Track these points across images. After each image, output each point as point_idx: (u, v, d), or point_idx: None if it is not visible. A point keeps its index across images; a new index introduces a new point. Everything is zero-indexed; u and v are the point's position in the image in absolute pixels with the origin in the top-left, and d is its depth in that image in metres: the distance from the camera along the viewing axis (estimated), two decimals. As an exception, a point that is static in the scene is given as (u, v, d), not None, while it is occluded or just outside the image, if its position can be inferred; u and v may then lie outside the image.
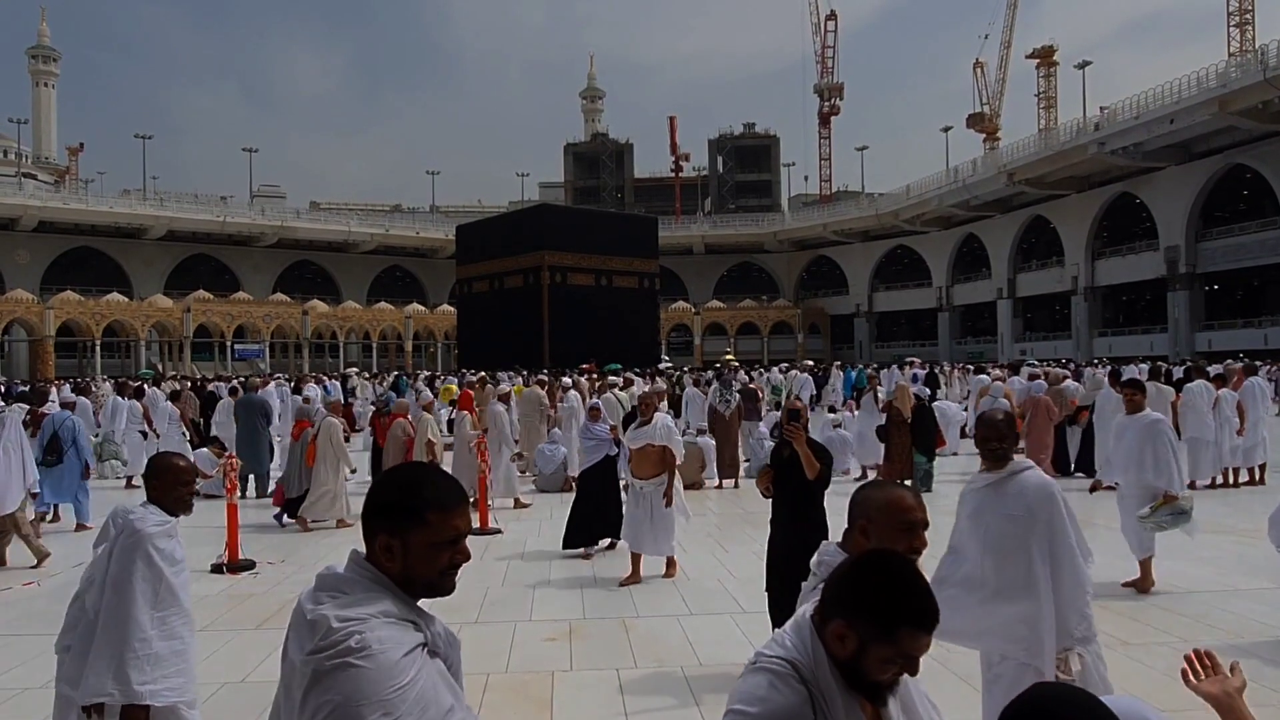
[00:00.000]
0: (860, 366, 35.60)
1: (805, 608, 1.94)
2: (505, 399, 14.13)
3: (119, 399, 16.08)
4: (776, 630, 1.92)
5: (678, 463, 8.47)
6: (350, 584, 1.78)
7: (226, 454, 12.40)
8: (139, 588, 3.39)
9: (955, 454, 16.69)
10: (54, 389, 22.90)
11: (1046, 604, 3.66)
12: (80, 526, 11.29)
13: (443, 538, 1.82)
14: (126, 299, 61.71)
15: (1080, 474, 13.81)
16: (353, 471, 12.03)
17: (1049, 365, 25.54)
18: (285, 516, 11.67)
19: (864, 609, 1.74)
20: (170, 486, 3.60)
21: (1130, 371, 21.73)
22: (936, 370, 30.06)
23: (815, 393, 29.09)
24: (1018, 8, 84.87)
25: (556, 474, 14.09)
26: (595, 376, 24.64)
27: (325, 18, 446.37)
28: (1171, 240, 51.01)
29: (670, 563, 8.53)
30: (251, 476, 13.91)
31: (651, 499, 8.28)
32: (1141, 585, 7.69)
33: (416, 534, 1.80)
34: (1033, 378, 18.47)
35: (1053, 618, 3.65)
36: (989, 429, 3.95)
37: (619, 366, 27.86)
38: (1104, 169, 53.59)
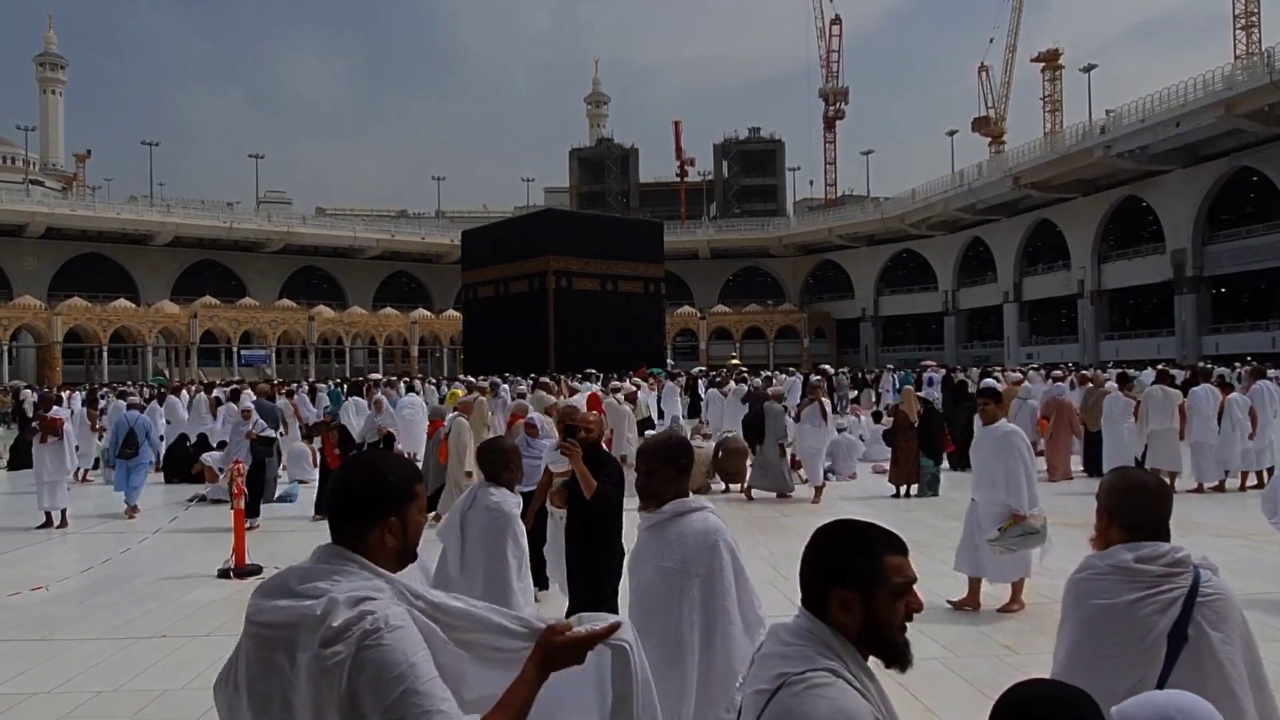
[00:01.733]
0: (906, 370, 35.43)
1: (790, 620, 1.90)
2: (468, 409, 13.52)
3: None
4: (779, 649, 1.85)
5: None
6: (343, 571, 1.84)
7: (234, 459, 12.41)
8: (511, 561, 4.23)
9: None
10: (64, 395, 23.11)
11: (691, 681, 3.03)
12: (131, 511, 12.60)
13: (423, 504, 2.02)
14: (133, 305, 61.89)
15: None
16: (468, 475, 12.18)
17: (1065, 369, 25.47)
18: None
19: (846, 564, 1.80)
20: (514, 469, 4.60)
21: (1145, 375, 21.59)
22: (955, 373, 29.68)
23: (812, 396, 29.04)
24: (1022, 11, 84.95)
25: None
26: (653, 380, 24.75)
27: (331, 24, 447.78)
28: (1178, 243, 50.87)
29: None
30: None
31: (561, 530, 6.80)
32: (969, 601, 7.18)
33: (412, 508, 1.98)
34: (1062, 380, 18.42)
35: (693, 700, 3.03)
36: (640, 458, 3.33)
37: (660, 371, 27.88)
38: (1110, 172, 53.47)
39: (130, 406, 14.80)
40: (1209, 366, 23.96)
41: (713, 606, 3.07)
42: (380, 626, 1.69)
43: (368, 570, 1.84)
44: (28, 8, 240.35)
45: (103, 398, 23.93)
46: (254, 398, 15.16)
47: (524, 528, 4.50)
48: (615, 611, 4.93)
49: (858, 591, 1.78)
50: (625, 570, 3.41)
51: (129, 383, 42.95)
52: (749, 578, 3.21)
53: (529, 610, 3.94)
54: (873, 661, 1.83)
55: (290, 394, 20.87)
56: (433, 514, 11.61)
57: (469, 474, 12.01)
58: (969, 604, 7.13)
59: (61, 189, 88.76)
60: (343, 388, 26.57)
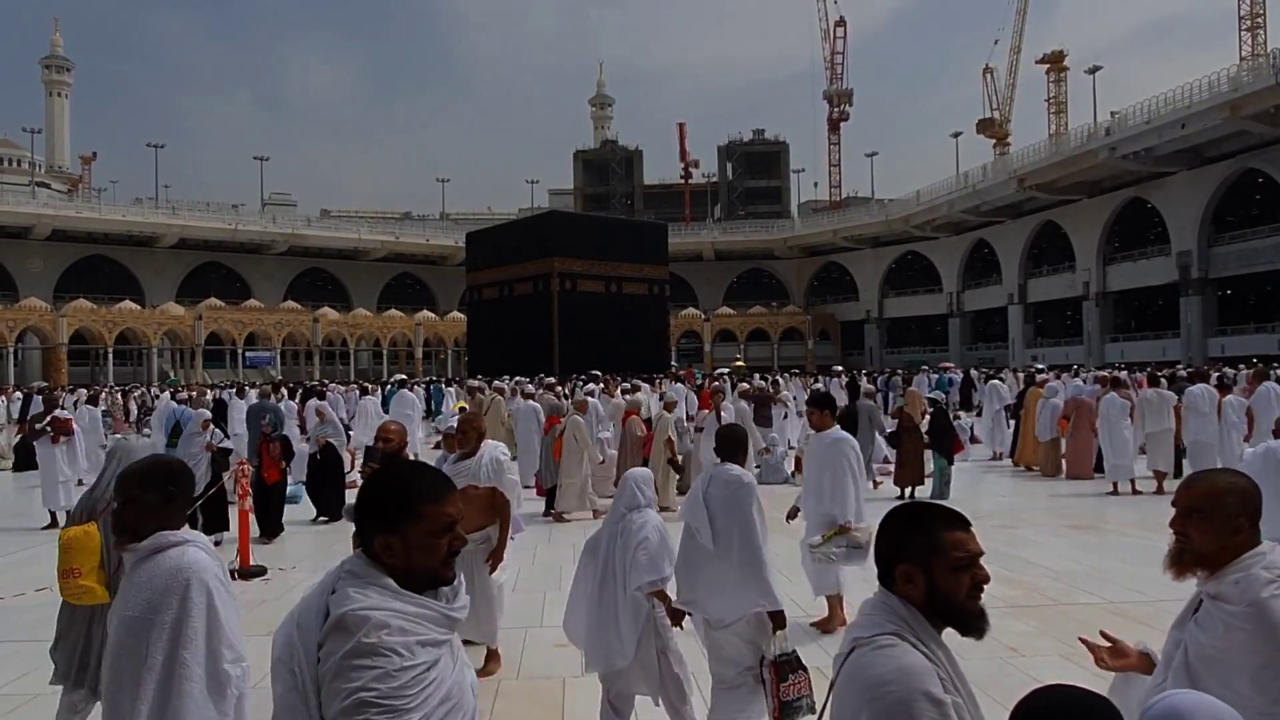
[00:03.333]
0: (940, 372, 35.23)
1: (873, 597, 2.04)
2: (583, 408, 13.20)
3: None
4: (857, 620, 2.01)
5: (513, 510, 6.00)
6: (361, 583, 1.85)
7: (239, 460, 12.41)
8: (757, 526, 4.39)
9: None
10: (65, 396, 23.28)
11: None
12: None
13: (438, 526, 1.91)
14: (139, 307, 62.05)
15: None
16: (601, 462, 12.58)
17: (1059, 371, 25.45)
18: (546, 510, 12.31)
19: (908, 542, 1.96)
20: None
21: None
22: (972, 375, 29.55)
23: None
24: (1027, 13, 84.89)
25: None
26: (703, 381, 24.65)
27: (338, 26, 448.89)
28: (1183, 245, 50.76)
29: (491, 656, 6.05)
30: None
31: (472, 561, 5.58)
32: (827, 625, 6.87)
33: (413, 527, 1.89)
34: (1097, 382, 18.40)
35: None
36: (118, 485, 2.89)
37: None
38: (1115, 174, 53.36)
39: (179, 403, 15.18)
40: (1205, 368, 23.92)
41: (173, 659, 2.60)
42: (380, 646, 1.77)
43: (386, 585, 1.86)
44: (34, 10, 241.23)
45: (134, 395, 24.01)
46: (209, 404, 15.11)
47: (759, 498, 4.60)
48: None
49: (918, 565, 1.93)
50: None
51: (132, 384, 43.14)
52: (229, 627, 2.74)
53: (774, 575, 4.31)
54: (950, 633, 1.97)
55: (321, 395, 20.84)
56: (554, 513, 12.06)
57: (602, 461, 12.57)
58: (827, 626, 6.84)
59: (67, 191, 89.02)
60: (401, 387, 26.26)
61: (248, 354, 63.53)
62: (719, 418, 12.64)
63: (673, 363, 50.02)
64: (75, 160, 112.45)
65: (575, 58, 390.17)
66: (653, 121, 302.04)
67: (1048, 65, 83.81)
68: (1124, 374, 19.34)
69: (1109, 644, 2.62)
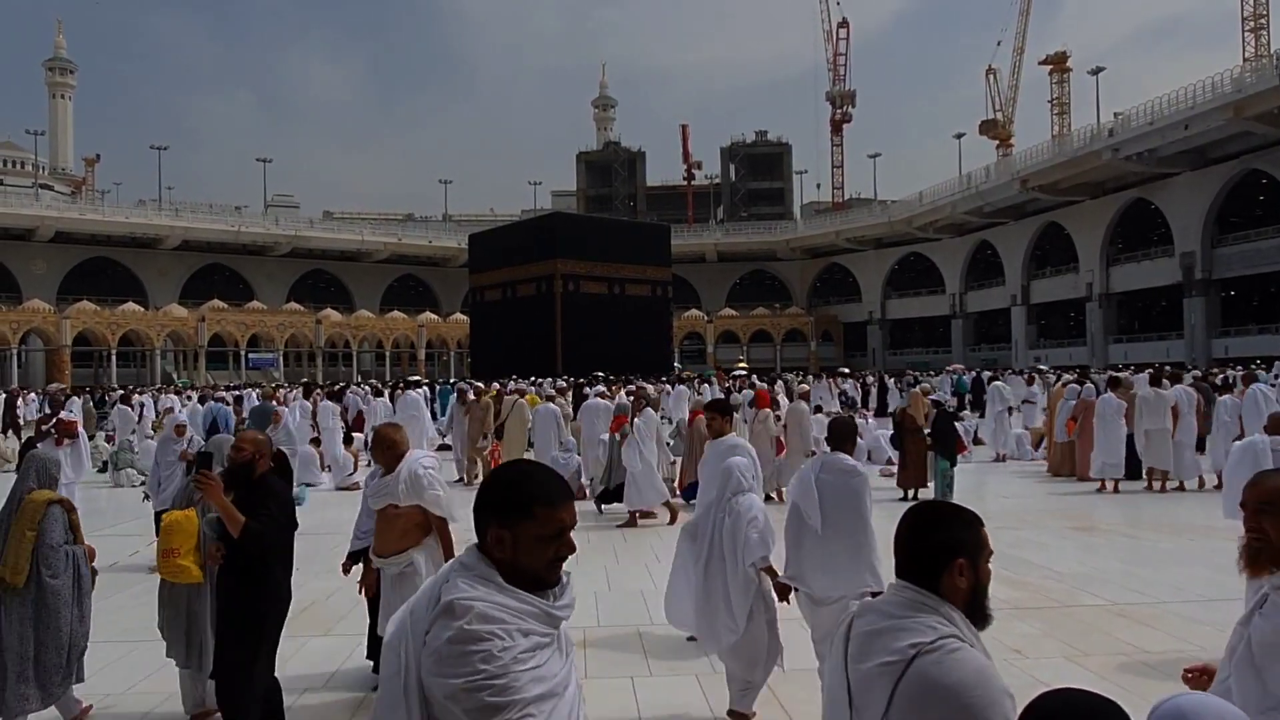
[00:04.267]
0: (966, 372, 35.14)
1: (888, 595, 2.12)
2: (655, 405, 13.57)
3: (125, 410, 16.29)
4: (890, 623, 2.01)
5: (451, 528, 5.14)
6: (471, 574, 1.89)
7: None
8: (866, 511, 4.75)
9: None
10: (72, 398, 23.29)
11: None
12: None
13: (549, 531, 1.92)
14: (142, 309, 62.12)
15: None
16: (672, 463, 12.70)
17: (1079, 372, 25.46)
18: (600, 506, 12.51)
19: (961, 537, 2.05)
20: None
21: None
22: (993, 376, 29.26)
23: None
24: (1030, 14, 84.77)
25: (569, 482, 14.06)
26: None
27: (340, 27, 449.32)
28: (1187, 246, 50.69)
29: None
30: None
31: (399, 587, 5.01)
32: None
33: (525, 527, 1.91)
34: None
35: None
36: None
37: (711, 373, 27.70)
38: (1118, 175, 53.30)
39: (216, 400, 15.50)
40: (1186, 369, 23.98)
41: None
42: (486, 636, 1.80)
43: (493, 578, 1.89)
44: (37, 13, 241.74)
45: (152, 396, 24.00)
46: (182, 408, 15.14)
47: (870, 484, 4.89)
48: (270, 673, 4.63)
49: (969, 559, 2.02)
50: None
51: (132, 386, 43.13)
52: None
53: (880, 558, 4.51)
54: None
55: (338, 396, 20.75)
56: (635, 515, 12.05)
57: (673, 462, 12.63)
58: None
59: (70, 193, 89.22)
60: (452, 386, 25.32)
61: (251, 356, 63.58)
62: (776, 416, 13.43)
63: (676, 364, 50.02)
64: (79, 162, 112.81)
65: (578, 59, 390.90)
66: (655, 123, 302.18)
67: (1051, 66, 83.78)
68: (1126, 374, 19.45)
69: (1194, 673, 2.65)
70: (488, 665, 1.74)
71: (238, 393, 25.04)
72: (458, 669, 1.74)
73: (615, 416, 13.10)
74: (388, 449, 5.11)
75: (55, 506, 4.95)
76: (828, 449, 5.25)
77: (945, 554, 2.02)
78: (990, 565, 2.08)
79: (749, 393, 18.21)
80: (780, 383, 24.85)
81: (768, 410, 13.56)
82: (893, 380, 33.77)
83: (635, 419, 11.96)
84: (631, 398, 13.50)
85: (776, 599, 4.93)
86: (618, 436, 12.35)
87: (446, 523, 5.09)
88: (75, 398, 26.81)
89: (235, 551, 4.49)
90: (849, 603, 4.42)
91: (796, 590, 4.86)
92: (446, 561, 4.66)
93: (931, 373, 37.86)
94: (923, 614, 1.96)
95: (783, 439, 13.65)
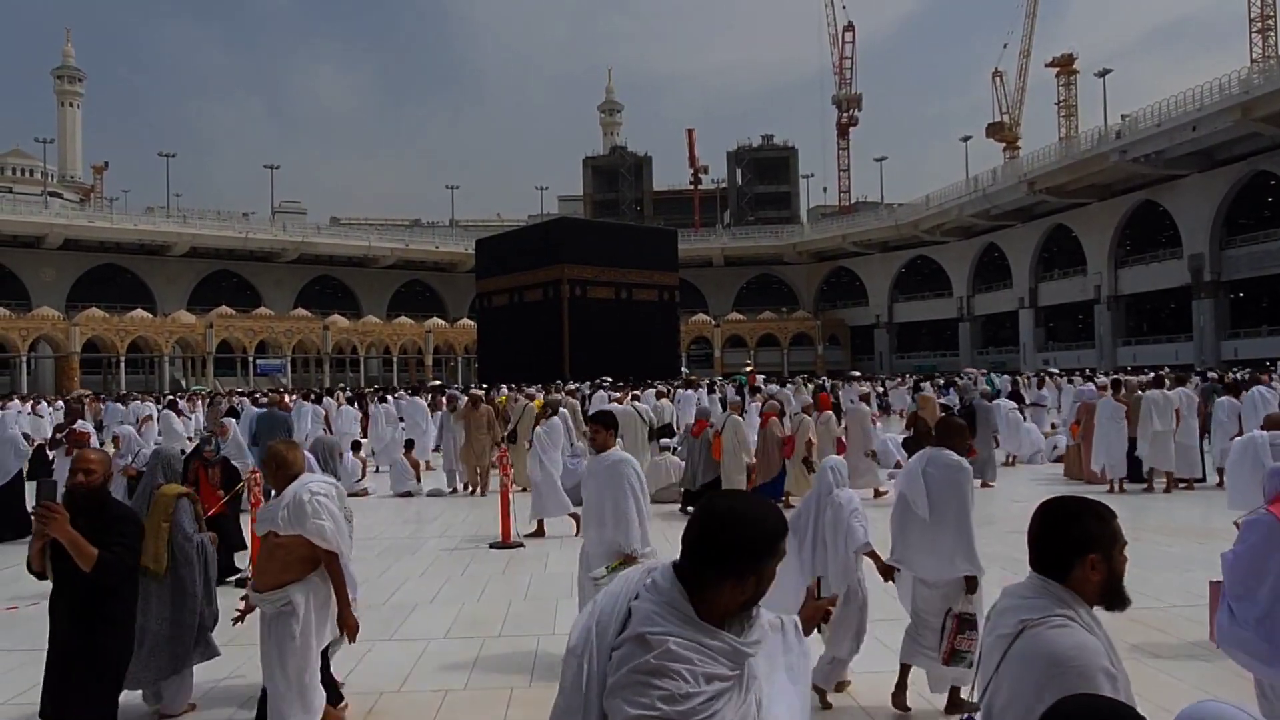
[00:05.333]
0: (989, 373, 34.94)
1: (1023, 581, 2.34)
2: (738, 409, 13.90)
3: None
4: (1015, 603, 2.29)
5: (343, 562, 4.61)
6: (664, 604, 1.86)
7: (251, 469, 12.42)
8: (970, 504, 5.17)
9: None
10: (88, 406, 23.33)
11: None
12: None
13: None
14: (150, 315, 62.38)
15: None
16: (752, 463, 12.84)
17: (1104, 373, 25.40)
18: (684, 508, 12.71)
19: (1094, 532, 2.23)
20: None
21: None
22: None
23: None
24: (1036, 17, 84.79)
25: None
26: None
27: (349, 34, 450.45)
28: (1195, 248, 50.56)
29: None
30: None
31: (274, 628, 4.48)
32: None
33: (769, 569, 1.89)
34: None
35: None
36: None
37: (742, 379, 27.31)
38: (1126, 177, 53.20)
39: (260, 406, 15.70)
40: (1166, 372, 23.95)
41: None
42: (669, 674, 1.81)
43: (692, 623, 1.85)
44: (47, 21, 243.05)
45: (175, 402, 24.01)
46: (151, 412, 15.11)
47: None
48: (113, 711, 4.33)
49: (1102, 554, 2.21)
50: None
51: (135, 393, 43.20)
52: None
53: (979, 545, 5.08)
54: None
55: (359, 401, 20.56)
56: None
57: (752, 466, 12.66)
58: None
59: (79, 200, 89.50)
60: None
61: (259, 362, 63.74)
62: (839, 416, 14.36)
63: (683, 369, 50.00)
64: (87, 170, 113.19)
65: (584, 64, 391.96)
66: (662, 127, 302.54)
67: (1057, 68, 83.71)
68: (1130, 377, 19.51)
69: None
70: (665, 706, 1.74)
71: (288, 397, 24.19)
72: (636, 699, 1.75)
73: (697, 420, 13.30)
74: (279, 468, 4.64)
75: (184, 499, 5.51)
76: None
77: (1076, 550, 2.22)
78: (1125, 554, 2.28)
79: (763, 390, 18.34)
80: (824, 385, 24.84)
81: (829, 412, 14.02)
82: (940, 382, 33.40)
83: (538, 427, 11.75)
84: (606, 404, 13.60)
85: (881, 579, 5.49)
86: (706, 437, 12.64)
87: (337, 558, 4.52)
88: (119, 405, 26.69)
89: (78, 589, 4.04)
90: (958, 583, 5.04)
91: (898, 572, 5.38)
92: (339, 596, 4.54)
93: (984, 371, 37.63)
94: (1043, 598, 2.21)
95: (844, 439, 13.92)
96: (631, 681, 1.77)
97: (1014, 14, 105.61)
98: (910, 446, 13.91)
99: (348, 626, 4.61)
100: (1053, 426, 19.56)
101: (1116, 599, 2.25)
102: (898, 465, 15.71)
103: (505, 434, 15.19)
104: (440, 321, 73.27)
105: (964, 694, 5.15)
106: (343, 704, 5.33)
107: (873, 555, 5.43)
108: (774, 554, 1.86)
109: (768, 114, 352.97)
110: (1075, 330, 63.95)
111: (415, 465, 16.10)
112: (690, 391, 25.30)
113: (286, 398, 20.71)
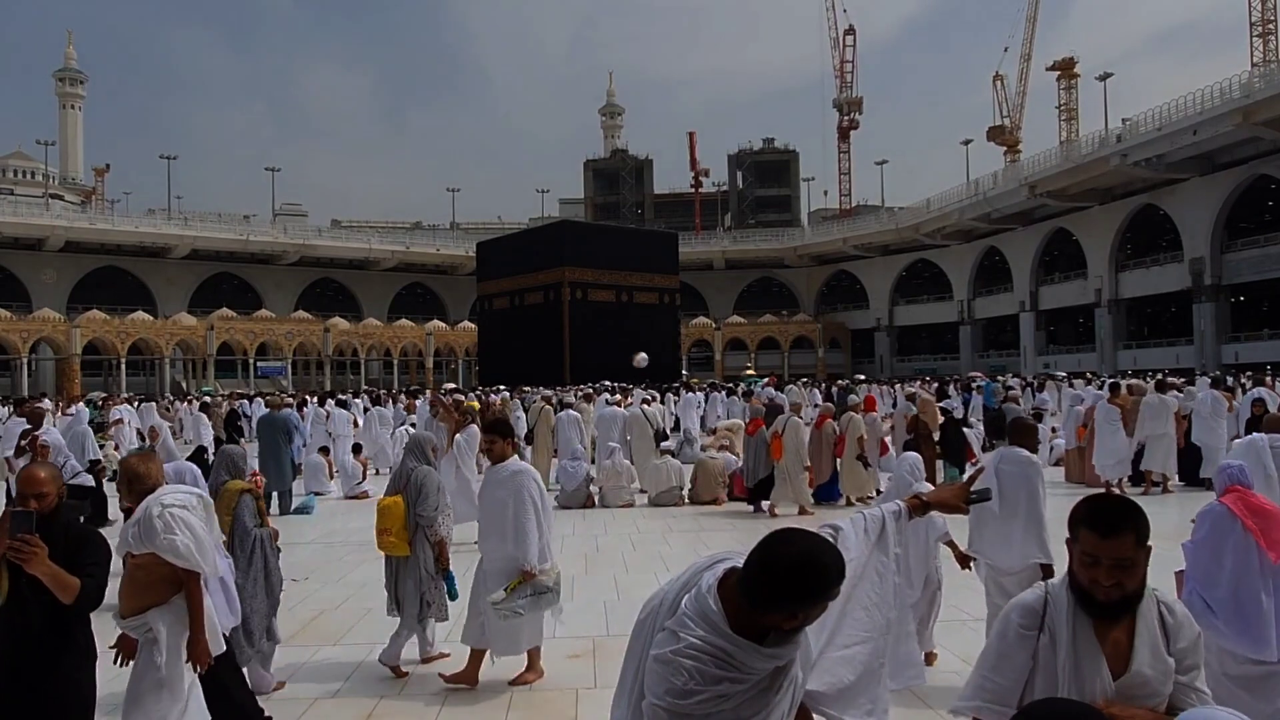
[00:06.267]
0: (997, 379, 34.90)
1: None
2: (798, 409, 14.57)
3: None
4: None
5: (203, 585, 4.12)
6: (700, 611, 2.06)
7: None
8: (1040, 497, 5.54)
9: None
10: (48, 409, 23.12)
11: None
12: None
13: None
14: (151, 317, 62.36)
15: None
16: (806, 468, 13.10)
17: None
18: (755, 505, 12.97)
19: (1072, 524, 2.42)
20: None
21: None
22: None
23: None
24: (1037, 21, 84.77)
25: (579, 490, 14.05)
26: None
27: (350, 38, 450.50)
28: (1196, 252, 50.54)
29: None
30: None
31: (137, 659, 4.11)
32: (525, 678, 5.94)
33: (815, 613, 2.05)
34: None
35: None
36: None
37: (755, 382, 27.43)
38: (1127, 180, 53.22)
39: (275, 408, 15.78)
40: (1162, 375, 23.95)
41: None
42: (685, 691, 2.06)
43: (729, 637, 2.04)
44: (48, 24, 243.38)
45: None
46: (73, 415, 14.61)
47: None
48: None
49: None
50: None
51: (134, 395, 43.09)
52: None
53: (1051, 535, 5.20)
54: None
55: (376, 400, 20.31)
56: (768, 505, 12.70)
57: (808, 467, 13.03)
58: (465, 679, 5.85)
59: (80, 203, 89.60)
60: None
61: (259, 364, 63.73)
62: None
63: (684, 371, 50.02)
64: (88, 172, 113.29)
65: (586, 67, 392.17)
66: (663, 130, 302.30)
67: (1058, 72, 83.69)
68: (1133, 381, 19.53)
69: None
70: (670, 698, 1.97)
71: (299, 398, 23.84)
72: (654, 684, 2.02)
73: (752, 419, 13.78)
74: (131, 483, 4.21)
75: (246, 495, 5.78)
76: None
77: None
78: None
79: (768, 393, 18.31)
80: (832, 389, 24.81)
81: (875, 414, 14.40)
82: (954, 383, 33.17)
83: (458, 435, 11.73)
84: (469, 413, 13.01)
85: (959, 567, 6.00)
86: (762, 435, 12.84)
87: (197, 578, 4.04)
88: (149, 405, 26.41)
89: (25, 610, 3.54)
90: (1033, 570, 5.32)
91: (975, 560, 5.80)
92: (194, 622, 3.99)
93: (1007, 374, 37.43)
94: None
95: (887, 441, 14.16)
96: (653, 669, 2.03)
97: (1015, 17, 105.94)
98: (910, 449, 13.97)
99: (195, 654, 4.00)
100: (1053, 430, 19.43)
101: (1091, 609, 2.37)
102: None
103: (522, 436, 15.44)
104: (441, 324, 73.24)
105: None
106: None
107: (951, 544, 5.99)
108: (827, 599, 1.99)
109: (769, 117, 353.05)
110: (1076, 334, 63.94)
111: (364, 465, 16.55)
112: (691, 395, 25.27)
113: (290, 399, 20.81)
